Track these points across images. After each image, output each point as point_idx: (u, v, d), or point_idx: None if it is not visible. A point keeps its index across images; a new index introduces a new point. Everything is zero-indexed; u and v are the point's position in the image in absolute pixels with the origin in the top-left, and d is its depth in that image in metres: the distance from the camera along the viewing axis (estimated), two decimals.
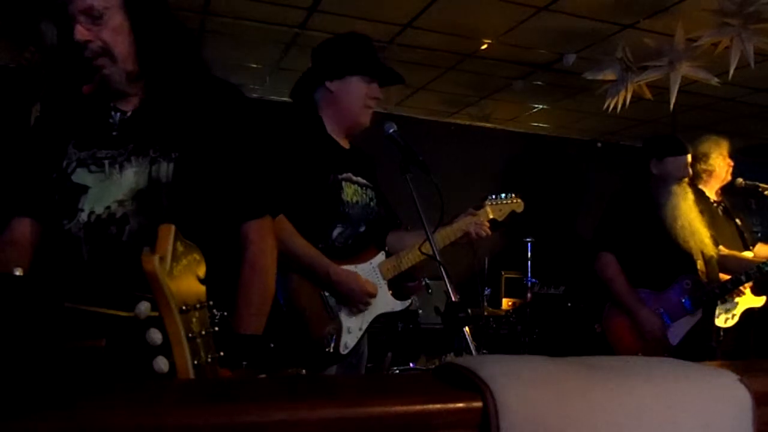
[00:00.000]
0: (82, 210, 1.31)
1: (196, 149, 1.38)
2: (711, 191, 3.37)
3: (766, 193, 3.41)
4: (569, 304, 5.25)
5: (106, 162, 1.34)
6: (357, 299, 2.03)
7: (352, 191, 2.14)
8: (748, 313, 3.21)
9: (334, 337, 1.97)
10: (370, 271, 2.12)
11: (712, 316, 3.03)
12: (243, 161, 1.47)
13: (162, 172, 1.34)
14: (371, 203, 2.21)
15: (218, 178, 1.41)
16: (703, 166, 3.36)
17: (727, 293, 3.00)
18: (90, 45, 1.30)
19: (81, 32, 1.29)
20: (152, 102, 1.40)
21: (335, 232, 2.08)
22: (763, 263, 2.95)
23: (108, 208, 1.32)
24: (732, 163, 3.37)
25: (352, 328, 2.05)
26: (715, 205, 3.34)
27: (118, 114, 1.39)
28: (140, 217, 1.32)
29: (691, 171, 3.02)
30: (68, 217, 1.31)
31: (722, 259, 3.08)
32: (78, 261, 1.30)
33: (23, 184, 1.39)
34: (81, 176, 1.33)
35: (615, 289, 2.93)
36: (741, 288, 3.15)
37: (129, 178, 1.33)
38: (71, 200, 1.32)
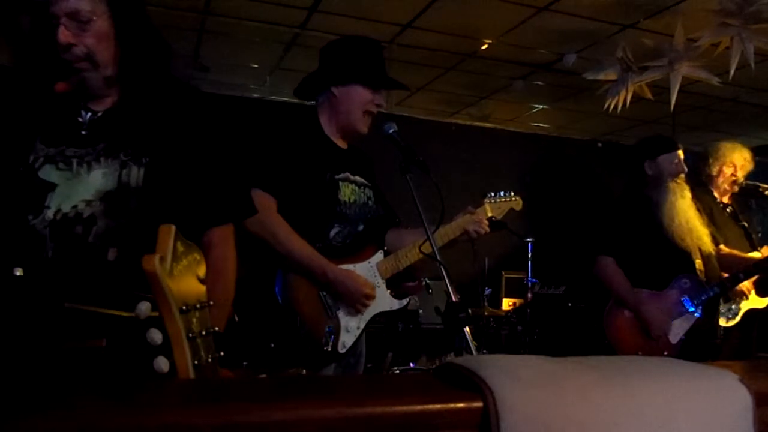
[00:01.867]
0: (49, 207, 1.30)
1: (166, 155, 1.38)
2: (718, 193, 3.38)
3: (766, 193, 3.42)
4: (570, 304, 5.25)
5: (74, 161, 1.33)
6: (354, 299, 2.03)
7: (350, 191, 2.14)
8: (751, 312, 3.21)
9: (333, 335, 1.97)
10: (368, 269, 2.12)
11: (715, 315, 3.04)
12: (210, 168, 1.48)
13: (132, 177, 1.34)
14: (369, 202, 2.21)
15: (185, 185, 1.41)
16: (707, 170, 3.37)
17: (727, 291, 3.01)
18: (73, 49, 1.30)
19: (65, 35, 1.28)
20: (125, 105, 1.41)
21: (333, 232, 2.08)
22: (761, 260, 2.96)
23: (75, 207, 1.31)
24: (738, 173, 3.37)
25: (351, 327, 2.05)
26: (722, 206, 3.35)
27: (89, 114, 1.38)
28: (108, 219, 1.31)
29: (685, 167, 3.01)
30: (33, 213, 1.29)
31: (722, 257, 3.09)
32: (41, 259, 1.28)
33: None
34: (48, 173, 1.32)
35: (617, 291, 2.93)
36: (745, 291, 3.16)
37: (97, 178, 1.33)
38: (37, 196, 1.30)
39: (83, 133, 1.37)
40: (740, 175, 3.37)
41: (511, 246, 5.19)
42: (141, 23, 1.41)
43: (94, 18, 1.31)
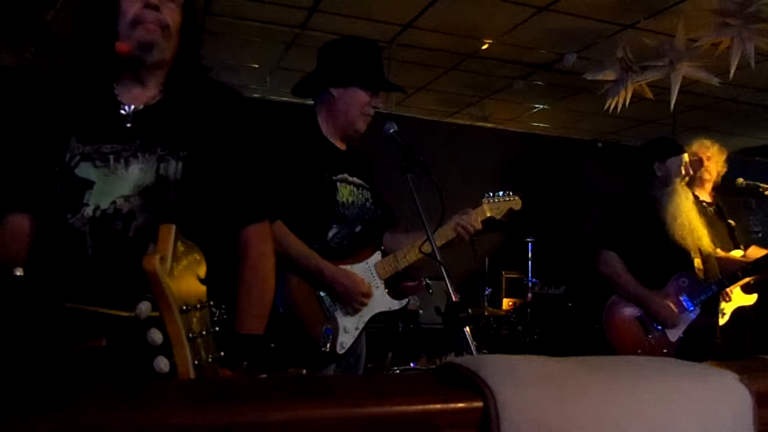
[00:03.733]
0: (87, 204, 1.30)
1: (203, 150, 1.39)
2: (703, 193, 3.37)
3: (766, 193, 3.41)
4: (570, 304, 5.24)
5: (111, 157, 1.33)
6: (351, 297, 2.03)
7: (348, 192, 2.14)
8: (741, 311, 3.21)
9: (331, 336, 1.97)
10: (366, 270, 2.12)
11: (715, 313, 3.04)
12: (247, 165, 1.50)
13: (171, 170, 1.35)
14: (367, 203, 2.21)
15: (223, 181, 1.42)
16: (701, 171, 3.36)
17: (725, 289, 3.01)
18: (157, 12, 1.33)
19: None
20: (168, 100, 1.42)
21: (331, 233, 2.08)
22: (759, 259, 2.96)
23: (114, 203, 1.31)
24: (704, 163, 3.36)
25: (349, 328, 2.05)
26: (706, 205, 3.34)
27: (131, 107, 1.39)
28: (147, 214, 1.31)
29: (691, 170, 3.03)
30: (72, 211, 1.30)
31: (718, 261, 3.09)
32: (82, 256, 1.29)
33: (20, 178, 1.37)
34: (85, 170, 1.32)
35: (621, 285, 2.91)
36: (728, 291, 3.15)
37: (134, 173, 1.33)
38: (75, 194, 1.31)
39: (128, 125, 1.37)
40: (710, 165, 3.35)
41: (511, 246, 5.19)
42: (198, 33, 1.48)
43: (178, 5, 1.37)
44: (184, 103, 1.42)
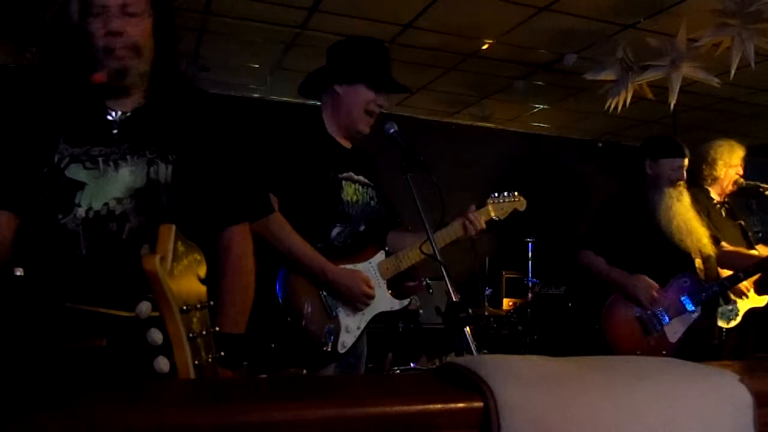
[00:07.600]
0: (79, 205, 1.32)
1: (191, 153, 1.42)
2: (715, 192, 3.37)
3: (766, 193, 3.40)
4: (570, 304, 5.25)
5: (100, 159, 1.35)
6: (354, 297, 2.03)
7: (353, 190, 2.14)
8: (751, 312, 3.21)
9: (332, 336, 1.97)
10: (369, 270, 2.12)
11: (714, 315, 3.03)
12: (228, 168, 1.52)
13: (161, 174, 1.37)
14: (371, 202, 2.21)
15: (208, 183, 1.45)
16: (710, 170, 3.35)
17: (727, 290, 3.00)
18: (123, 36, 1.34)
19: (117, 23, 1.33)
20: (152, 105, 1.44)
21: (334, 231, 2.08)
22: (761, 260, 2.95)
23: (106, 204, 1.33)
24: (741, 173, 3.36)
25: (351, 327, 2.05)
26: (719, 206, 3.34)
27: (119, 112, 1.40)
28: (141, 216, 1.33)
29: (685, 174, 3.01)
30: (63, 211, 1.31)
31: (726, 255, 3.08)
32: (75, 256, 1.30)
33: (7, 177, 1.37)
34: (75, 172, 1.33)
35: (599, 272, 2.96)
36: (744, 290, 3.15)
37: (125, 176, 1.35)
38: (66, 195, 1.32)
39: (114, 131, 1.38)
40: (741, 172, 3.37)
41: (511, 246, 5.19)
42: (173, 31, 1.48)
43: (142, 15, 1.37)
44: (170, 105, 1.44)
